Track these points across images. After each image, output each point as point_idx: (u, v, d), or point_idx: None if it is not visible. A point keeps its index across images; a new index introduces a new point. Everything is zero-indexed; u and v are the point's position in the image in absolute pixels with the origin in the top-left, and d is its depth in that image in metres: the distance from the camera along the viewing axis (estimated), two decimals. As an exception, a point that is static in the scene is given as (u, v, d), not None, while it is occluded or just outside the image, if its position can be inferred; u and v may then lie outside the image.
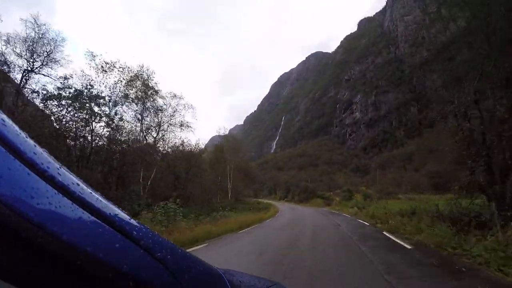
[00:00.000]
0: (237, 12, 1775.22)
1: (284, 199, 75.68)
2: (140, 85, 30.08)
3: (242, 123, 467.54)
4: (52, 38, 24.23)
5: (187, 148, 36.09)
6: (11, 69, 22.74)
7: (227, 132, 48.99)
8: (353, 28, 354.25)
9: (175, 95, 33.41)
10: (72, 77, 24.49)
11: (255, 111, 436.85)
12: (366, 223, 19.77)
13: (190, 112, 37.97)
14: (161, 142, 33.70)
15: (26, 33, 22.90)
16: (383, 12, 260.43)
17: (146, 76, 30.41)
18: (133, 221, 0.52)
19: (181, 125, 33.27)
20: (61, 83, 23.97)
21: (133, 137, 30.33)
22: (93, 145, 25.71)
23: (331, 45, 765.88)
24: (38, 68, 23.64)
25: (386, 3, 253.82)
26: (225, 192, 45.27)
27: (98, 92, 26.04)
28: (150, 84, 30.90)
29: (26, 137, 0.44)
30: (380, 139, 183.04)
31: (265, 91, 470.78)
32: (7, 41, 22.22)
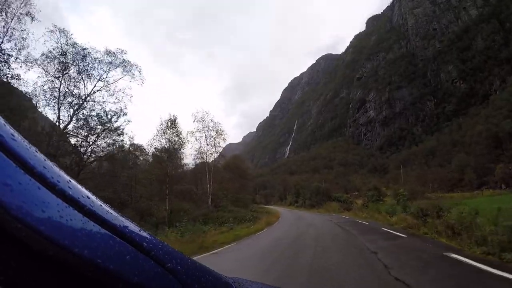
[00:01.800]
0: (245, 21, 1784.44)
1: (294, 205, 64.33)
2: None
3: (255, 130, 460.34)
4: None
5: None
6: None
7: (210, 117, 33.76)
8: (362, 27, 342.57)
9: (111, 52, 22.31)
10: None
11: (267, 117, 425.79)
12: None
13: (133, 76, 22.93)
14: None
15: None
16: (391, 7, 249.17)
17: None
18: (143, 232, 0.52)
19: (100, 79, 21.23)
20: None
21: None
22: None
23: (340, 47, 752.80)
24: None
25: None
26: (201, 198, 33.20)
27: None
28: None
29: (36, 151, 0.43)
30: (397, 136, 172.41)
31: (277, 96, 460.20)
32: None
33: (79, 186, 0.47)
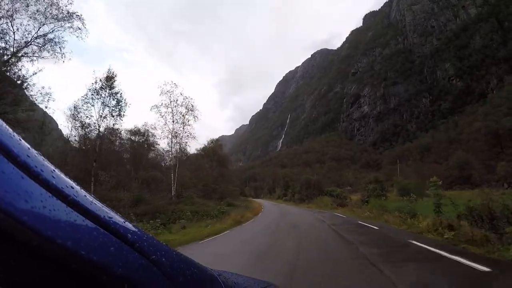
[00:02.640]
0: (241, 13, 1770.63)
1: (282, 198, 58.65)
2: None
3: (248, 123, 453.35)
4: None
5: None
6: None
7: (179, 90, 28.85)
8: (359, 23, 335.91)
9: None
10: None
11: (260, 110, 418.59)
12: None
13: (73, 27, 18.68)
14: None
15: None
16: (389, 3, 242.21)
17: None
18: (128, 224, 0.50)
19: None
20: None
21: None
22: None
23: (336, 42, 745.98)
24: None
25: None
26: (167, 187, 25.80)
27: None
28: None
29: (20, 139, 0.42)
30: (391, 132, 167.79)
31: (271, 90, 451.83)
32: None
33: (63, 176, 0.45)
